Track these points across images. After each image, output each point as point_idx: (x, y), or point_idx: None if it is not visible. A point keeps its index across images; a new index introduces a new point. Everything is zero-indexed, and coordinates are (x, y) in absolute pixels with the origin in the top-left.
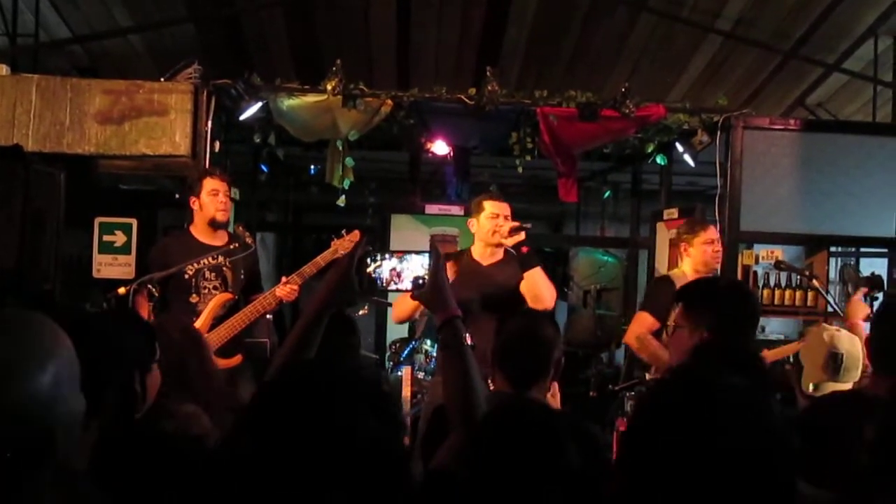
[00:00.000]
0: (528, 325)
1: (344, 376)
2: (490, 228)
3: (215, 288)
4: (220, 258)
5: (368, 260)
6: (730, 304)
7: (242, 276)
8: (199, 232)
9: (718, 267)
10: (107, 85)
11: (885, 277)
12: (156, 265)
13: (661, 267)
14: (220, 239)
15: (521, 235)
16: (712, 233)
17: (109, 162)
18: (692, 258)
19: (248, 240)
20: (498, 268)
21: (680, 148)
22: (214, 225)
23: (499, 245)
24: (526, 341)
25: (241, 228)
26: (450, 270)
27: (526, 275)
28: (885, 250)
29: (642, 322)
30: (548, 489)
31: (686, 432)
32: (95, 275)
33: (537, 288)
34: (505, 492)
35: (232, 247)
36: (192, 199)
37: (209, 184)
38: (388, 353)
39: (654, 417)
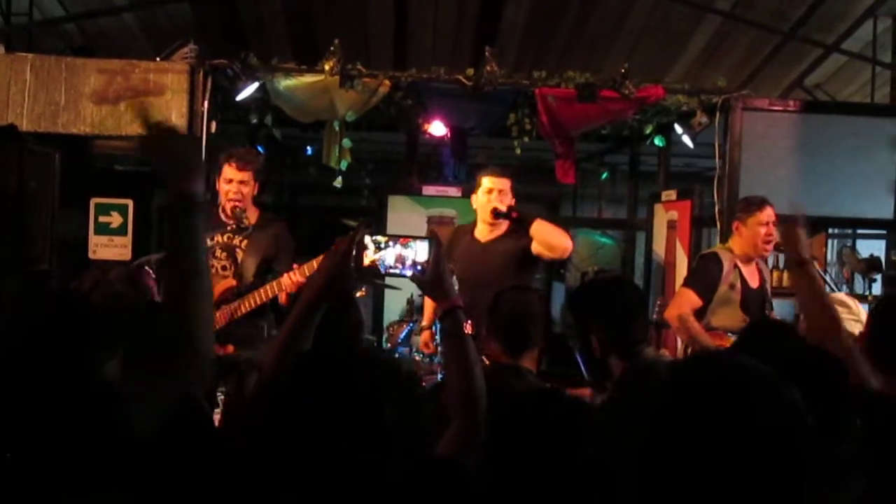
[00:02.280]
0: (519, 299)
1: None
2: (485, 204)
3: (224, 268)
4: (236, 238)
5: (371, 245)
6: (604, 303)
7: (260, 261)
8: (224, 211)
9: (768, 254)
10: (102, 64)
11: (882, 259)
12: None
13: (659, 249)
14: (246, 218)
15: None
16: (768, 214)
17: (105, 142)
18: (743, 239)
19: (245, 221)
20: (497, 243)
21: (678, 129)
22: (225, 214)
23: (492, 224)
24: (518, 313)
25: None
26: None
27: (531, 232)
28: (883, 232)
29: (686, 299)
30: (569, 477)
31: (707, 412)
32: (91, 256)
33: (546, 237)
34: (527, 480)
35: (243, 222)
36: (217, 181)
37: (226, 171)
38: (385, 335)
39: (675, 398)
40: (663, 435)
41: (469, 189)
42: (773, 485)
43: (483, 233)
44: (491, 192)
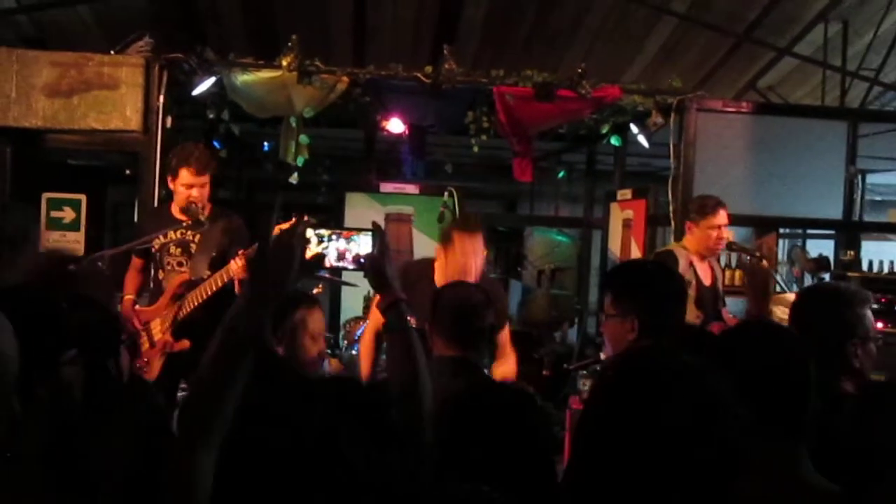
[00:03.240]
0: (460, 293)
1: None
2: (457, 269)
3: (179, 264)
4: (189, 233)
5: (314, 239)
6: (657, 286)
7: (214, 255)
8: (176, 207)
9: (719, 252)
10: (55, 57)
11: (831, 258)
12: (135, 237)
13: (615, 247)
14: (202, 214)
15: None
16: (721, 217)
17: (57, 136)
18: (695, 239)
19: (201, 217)
20: None
21: (634, 129)
22: (182, 209)
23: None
24: (460, 306)
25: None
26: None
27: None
28: (832, 232)
29: None
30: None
31: (636, 410)
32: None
33: (500, 361)
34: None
35: (200, 219)
36: (170, 178)
37: (184, 176)
38: (342, 333)
39: (607, 396)
40: (599, 423)
41: (427, 188)
42: (697, 472)
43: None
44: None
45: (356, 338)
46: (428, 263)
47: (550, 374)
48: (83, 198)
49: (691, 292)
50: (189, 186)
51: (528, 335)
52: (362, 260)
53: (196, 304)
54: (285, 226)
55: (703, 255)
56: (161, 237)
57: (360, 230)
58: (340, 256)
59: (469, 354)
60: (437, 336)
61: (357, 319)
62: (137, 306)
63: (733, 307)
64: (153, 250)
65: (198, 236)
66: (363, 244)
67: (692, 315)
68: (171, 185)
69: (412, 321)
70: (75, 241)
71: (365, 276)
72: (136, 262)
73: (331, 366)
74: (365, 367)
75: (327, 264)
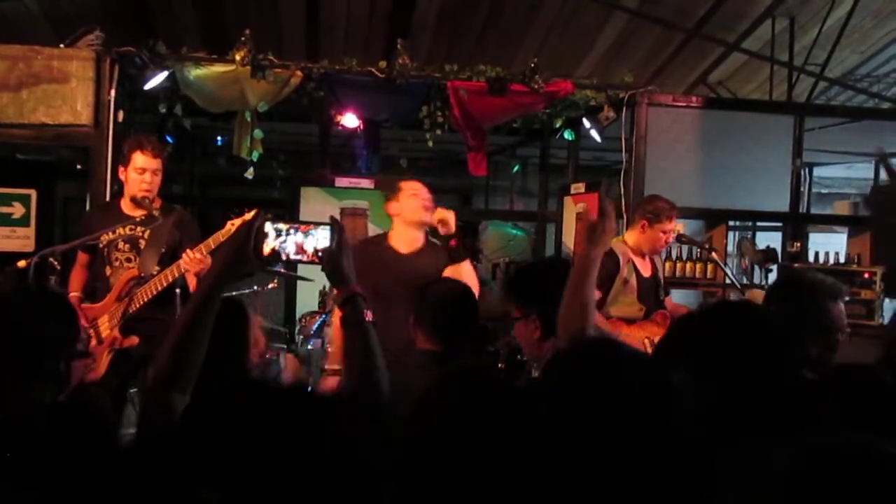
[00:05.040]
0: (446, 288)
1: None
2: (416, 206)
3: (128, 260)
4: (138, 229)
5: (272, 233)
6: (550, 285)
7: (164, 251)
8: (125, 202)
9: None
10: (2, 50)
11: (779, 250)
12: (82, 233)
13: (568, 240)
14: (156, 209)
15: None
16: (674, 224)
17: (6, 131)
18: (645, 237)
19: (155, 212)
20: (418, 256)
21: (587, 123)
22: (136, 202)
23: (422, 224)
24: (456, 303)
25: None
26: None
27: (453, 267)
28: (780, 224)
29: None
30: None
31: (588, 397)
32: None
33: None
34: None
35: (154, 213)
36: (121, 169)
37: (138, 159)
38: (297, 327)
39: (560, 384)
40: (561, 410)
41: (383, 183)
42: (655, 458)
43: (402, 243)
44: (417, 196)
45: (312, 332)
46: (382, 237)
47: (505, 367)
48: (33, 193)
49: (631, 289)
50: (142, 171)
51: (483, 328)
52: (321, 254)
53: (146, 299)
54: (248, 216)
55: (643, 252)
56: (110, 233)
57: (318, 224)
58: (298, 250)
59: (449, 349)
60: (420, 330)
61: (313, 314)
62: (84, 303)
63: (681, 299)
64: (100, 246)
65: (147, 232)
66: (321, 238)
67: (635, 308)
68: (122, 176)
69: (368, 315)
70: (25, 237)
71: (322, 270)
72: (81, 257)
73: (287, 361)
74: (339, 354)
75: (283, 258)
